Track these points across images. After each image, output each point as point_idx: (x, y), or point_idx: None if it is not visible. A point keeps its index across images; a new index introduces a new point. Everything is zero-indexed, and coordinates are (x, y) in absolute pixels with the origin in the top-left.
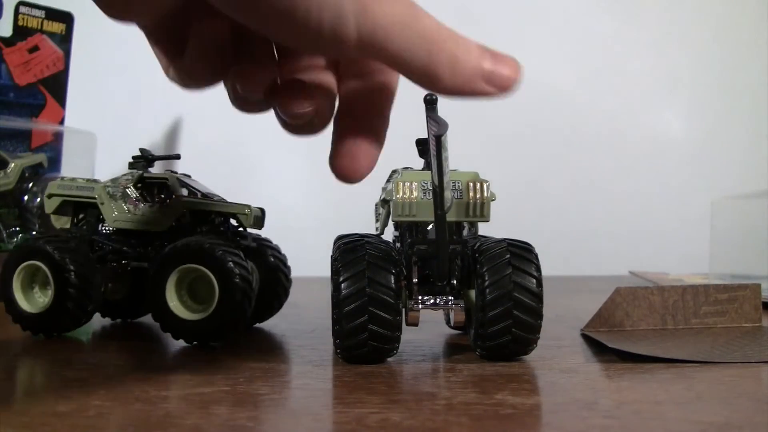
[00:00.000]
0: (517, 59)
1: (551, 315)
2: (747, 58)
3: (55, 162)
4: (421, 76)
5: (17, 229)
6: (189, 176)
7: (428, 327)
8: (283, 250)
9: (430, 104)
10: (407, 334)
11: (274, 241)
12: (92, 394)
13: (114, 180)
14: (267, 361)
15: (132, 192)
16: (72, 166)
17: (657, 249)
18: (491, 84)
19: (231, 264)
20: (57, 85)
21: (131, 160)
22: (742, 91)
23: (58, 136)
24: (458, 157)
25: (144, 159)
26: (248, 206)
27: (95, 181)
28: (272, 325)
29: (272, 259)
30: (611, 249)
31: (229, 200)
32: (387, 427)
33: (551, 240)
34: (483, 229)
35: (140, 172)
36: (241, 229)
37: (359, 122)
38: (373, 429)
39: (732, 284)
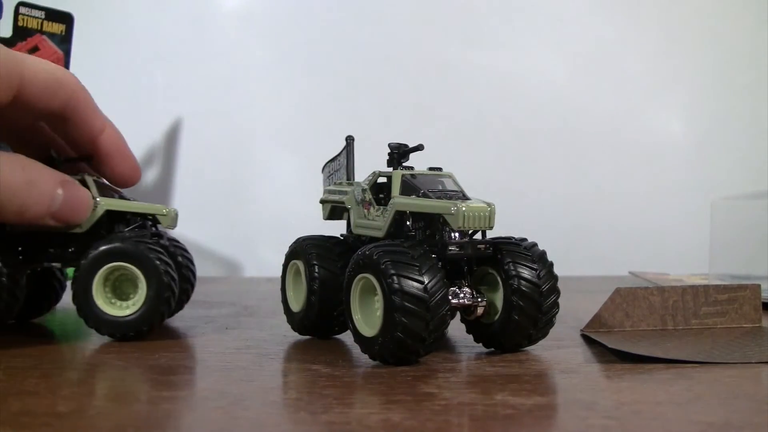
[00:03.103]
0: (84, 197)
1: None
2: (746, 59)
3: None
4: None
5: None
6: (100, 177)
7: None
8: (283, 250)
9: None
10: None
11: (277, 241)
12: (92, 394)
13: None
14: (265, 363)
15: None
16: None
17: (657, 249)
18: (57, 219)
19: (158, 262)
20: None
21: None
22: (742, 92)
23: None
24: (459, 158)
25: (56, 161)
26: (166, 207)
27: None
28: (274, 324)
29: (180, 259)
30: (611, 249)
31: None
32: (388, 428)
33: (551, 240)
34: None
35: None
36: (155, 229)
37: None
38: (374, 429)
39: (732, 285)
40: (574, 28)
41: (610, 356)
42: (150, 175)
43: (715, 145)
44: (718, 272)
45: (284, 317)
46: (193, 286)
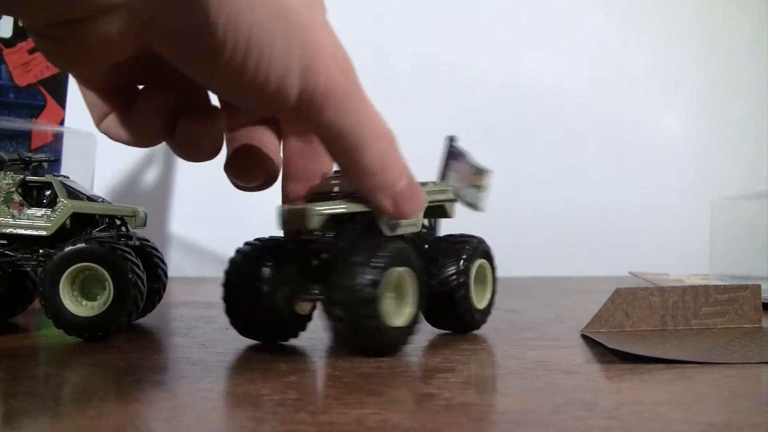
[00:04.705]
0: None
1: (551, 315)
2: (747, 60)
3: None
4: (344, 152)
5: None
6: (67, 177)
7: (427, 327)
8: None
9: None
10: None
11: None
12: (92, 394)
13: None
14: (265, 361)
15: (17, 196)
16: (72, 167)
17: (657, 249)
18: (396, 204)
19: (123, 261)
20: (57, 85)
21: (8, 163)
22: (742, 92)
23: (58, 137)
24: None
25: (21, 162)
26: (135, 208)
27: None
28: None
29: (153, 258)
30: (611, 249)
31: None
32: (387, 428)
33: (551, 240)
34: (478, 227)
35: (21, 176)
36: (124, 229)
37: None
38: (373, 430)
39: (732, 285)
40: (574, 28)
41: (610, 356)
42: (150, 175)
43: (715, 145)
44: (718, 272)
45: None
46: (164, 285)
